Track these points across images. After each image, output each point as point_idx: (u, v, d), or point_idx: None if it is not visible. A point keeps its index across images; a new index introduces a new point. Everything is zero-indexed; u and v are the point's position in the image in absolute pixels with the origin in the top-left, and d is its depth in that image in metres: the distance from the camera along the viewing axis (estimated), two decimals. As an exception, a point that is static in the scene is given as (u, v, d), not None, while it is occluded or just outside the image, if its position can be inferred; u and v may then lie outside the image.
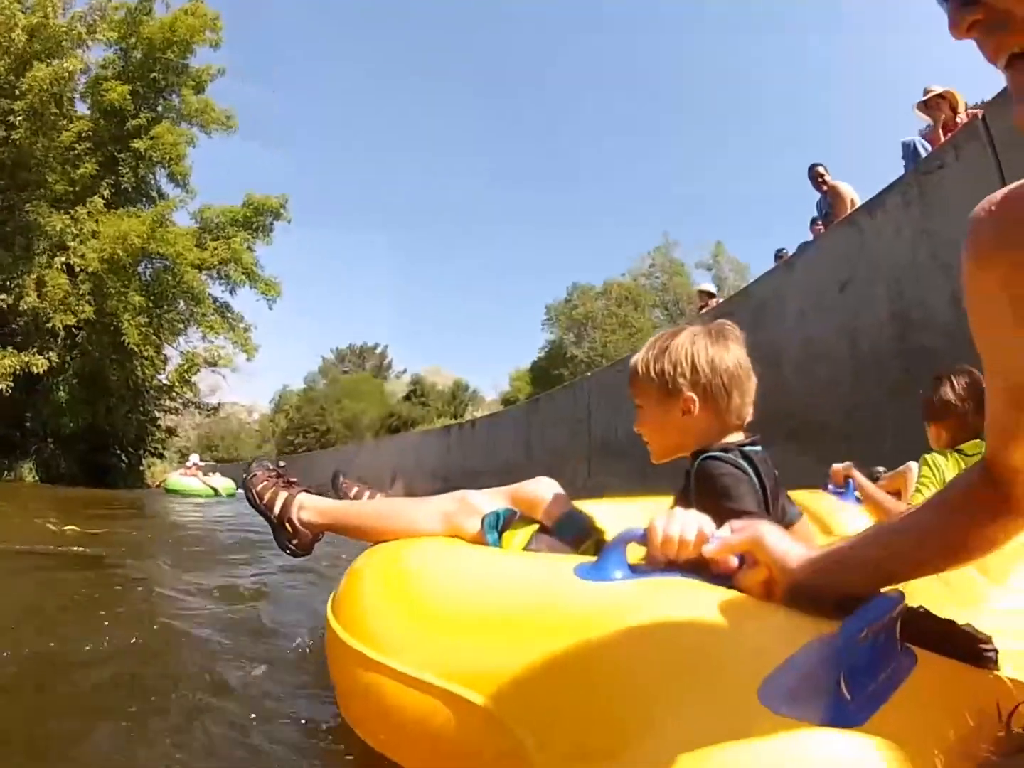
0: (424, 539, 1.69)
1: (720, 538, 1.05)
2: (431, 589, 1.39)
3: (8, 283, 15.00)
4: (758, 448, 1.46)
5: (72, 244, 16.44)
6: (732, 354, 1.49)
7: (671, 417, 1.51)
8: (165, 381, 21.07)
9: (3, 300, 15.02)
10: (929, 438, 2.49)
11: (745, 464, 1.40)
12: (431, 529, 1.72)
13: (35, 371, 15.04)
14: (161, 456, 24.93)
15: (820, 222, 7.65)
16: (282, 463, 2.10)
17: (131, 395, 19.92)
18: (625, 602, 1.03)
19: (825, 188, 7.40)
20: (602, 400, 10.94)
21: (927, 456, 2.42)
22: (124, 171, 18.61)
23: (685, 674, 0.85)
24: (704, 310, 9.44)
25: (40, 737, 1.48)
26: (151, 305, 18.40)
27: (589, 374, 13.70)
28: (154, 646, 2.17)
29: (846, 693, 0.76)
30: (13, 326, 17.39)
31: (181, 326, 20.60)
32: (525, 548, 1.65)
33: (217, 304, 21.22)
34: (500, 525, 1.68)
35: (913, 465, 2.51)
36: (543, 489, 1.81)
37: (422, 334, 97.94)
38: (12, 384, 14.59)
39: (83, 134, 17.79)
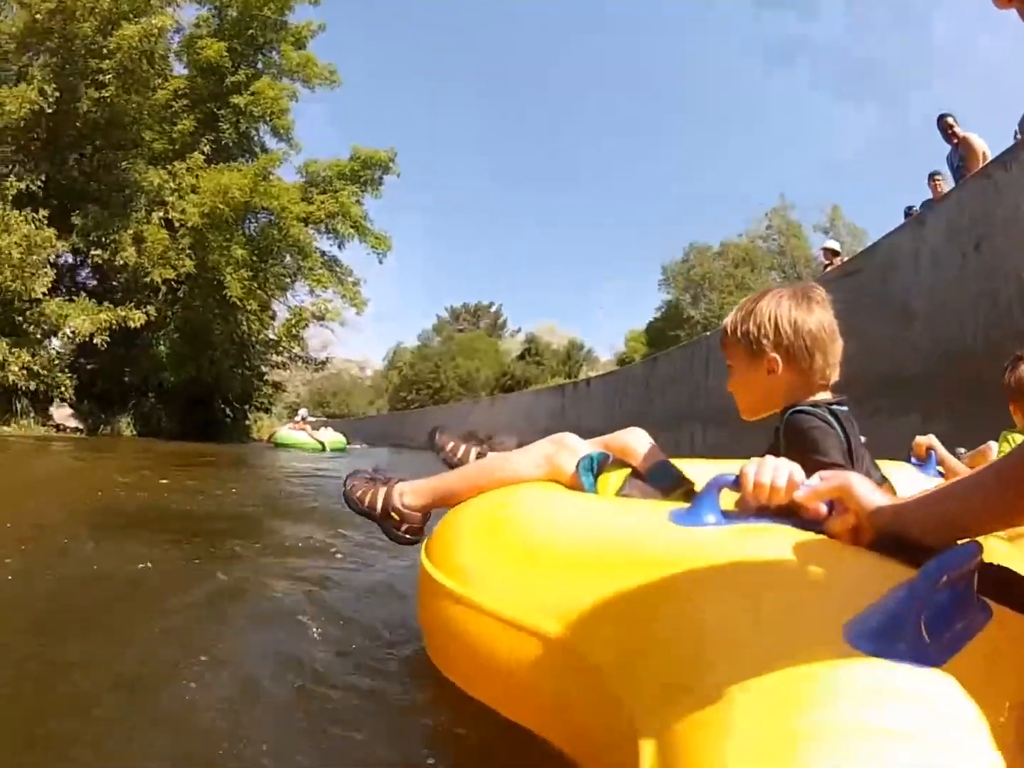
0: (520, 485, 1.71)
1: (810, 485, 1.11)
2: (525, 531, 1.44)
3: (104, 239, 14.83)
4: (844, 408, 1.49)
5: (171, 199, 16.19)
6: (815, 316, 1.52)
7: (758, 376, 1.56)
8: (272, 336, 20.96)
9: (99, 256, 14.94)
10: (1013, 417, 2.47)
11: (832, 419, 1.43)
12: (531, 474, 1.75)
13: (132, 325, 14.95)
14: (267, 411, 25.08)
15: (938, 177, 7.52)
16: (377, 467, 2.15)
17: (236, 350, 19.73)
18: (717, 546, 1.08)
19: (956, 140, 7.16)
20: (719, 362, 9.90)
21: (1006, 433, 2.44)
22: (224, 127, 18.28)
23: (771, 614, 0.89)
24: (829, 268, 9.32)
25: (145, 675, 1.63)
26: (255, 259, 18.03)
27: (708, 334, 13.38)
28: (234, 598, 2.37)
29: (925, 636, 0.80)
30: (113, 282, 17.37)
31: (288, 280, 20.35)
32: (618, 492, 1.69)
33: (325, 258, 20.83)
34: (595, 468, 1.71)
35: (993, 445, 2.49)
36: (636, 438, 1.88)
37: (537, 290, 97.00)
38: (108, 339, 14.49)
39: (180, 92, 17.58)
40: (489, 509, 1.61)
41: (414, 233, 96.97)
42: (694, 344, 12.75)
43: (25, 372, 12.69)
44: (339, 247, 21.51)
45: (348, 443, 20.11)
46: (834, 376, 1.53)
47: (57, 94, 13.77)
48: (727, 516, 1.16)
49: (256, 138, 19.54)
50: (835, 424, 1.42)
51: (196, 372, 18.14)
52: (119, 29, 13.99)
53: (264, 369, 22.94)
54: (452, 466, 2.16)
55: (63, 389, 13.78)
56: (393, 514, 1.92)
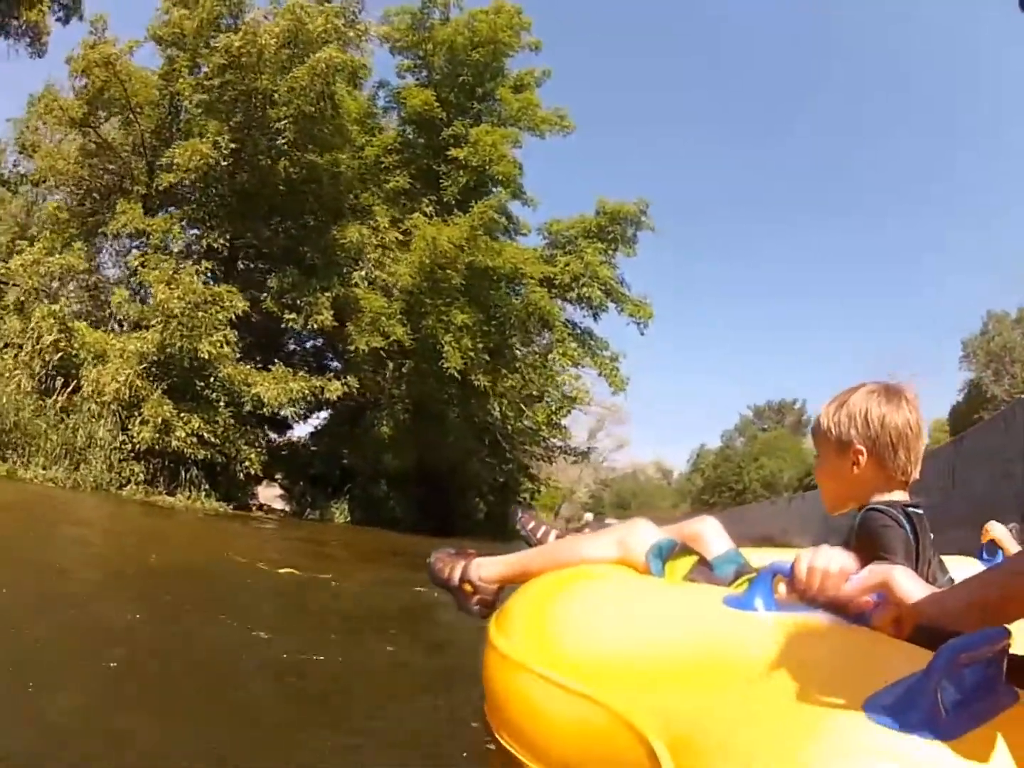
0: (591, 567, 1.81)
1: (857, 578, 1.20)
2: (588, 608, 1.62)
3: (299, 302, 13.67)
4: (919, 510, 1.55)
5: (373, 256, 14.54)
6: (902, 413, 1.58)
7: (843, 469, 1.64)
8: (527, 423, 18.47)
9: (294, 320, 13.61)
10: None
11: (904, 520, 1.50)
12: (603, 556, 1.83)
13: (329, 396, 13.18)
14: (529, 507, 22.45)
15: None
16: (466, 548, 2.23)
17: (476, 434, 17.51)
18: (762, 631, 1.21)
19: None
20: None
21: None
22: (446, 184, 16.54)
23: (799, 691, 1.01)
24: None
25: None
26: (489, 329, 15.44)
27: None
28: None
29: (942, 710, 0.89)
30: (310, 351, 15.92)
31: (535, 357, 17.69)
32: (684, 578, 1.73)
33: (575, 331, 18.24)
34: (664, 555, 1.77)
35: None
36: (708, 527, 1.98)
37: (842, 381, 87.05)
38: (299, 412, 12.78)
39: (390, 147, 16.18)
40: (558, 586, 1.77)
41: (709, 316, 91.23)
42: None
43: (195, 440, 11.34)
44: (594, 317, 18.90)
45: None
46: (915, 473, 1.60)
47: (232, 146, 12.92)
48: (778, 604, 1.27)
49: (484, 190, 17.68)
50: (905, 524, 1.49)
51: (424, 458, 15.84)
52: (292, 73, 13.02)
53: (525, 461, 20.17)
54: (531, 545, 2.29)
55: (248, 464, 12.21)
56: (466, 585, 2.05)
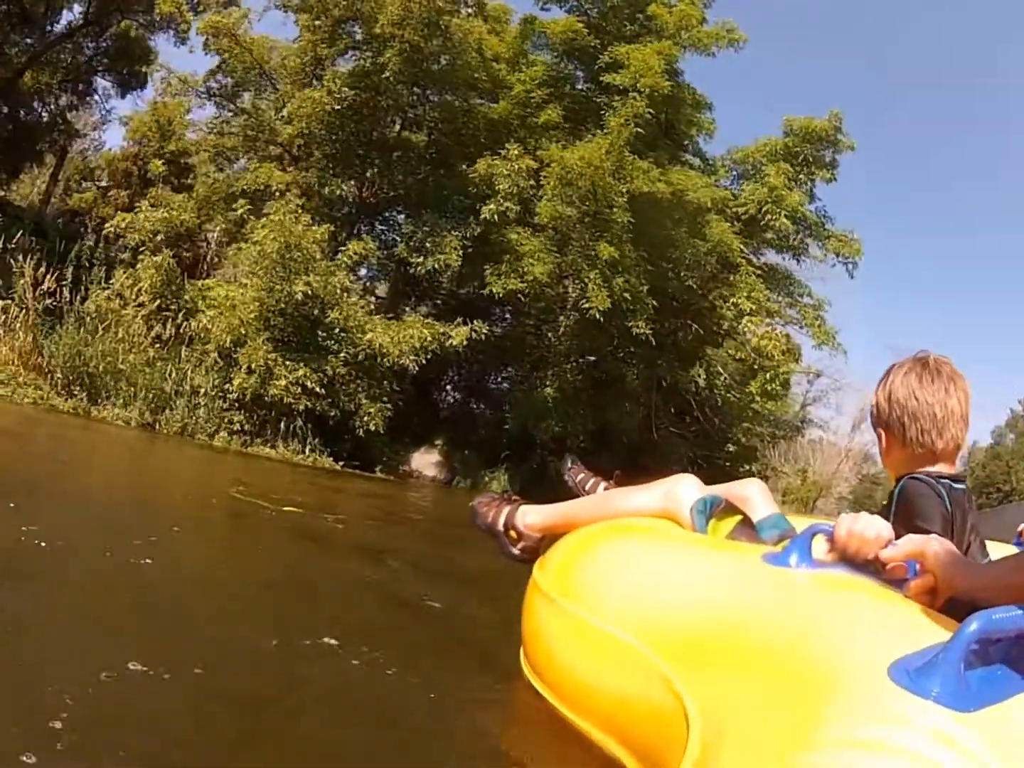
0: (636, 519, 1.89)
1: (895, 544, 1.26)
2: (632, 558, 1.70)
3: (426, 244, 12.21)
4: (961, 486, 1.54)
5: (503, 187, 12.59)
6: (906, 385, 1.58)
7: (883, 453, 1.69)
8: (727, 391, 15.82)
9: (420, 263, 12.35)
10: None
11: (943, 491, 1.49)
12: (649, 509, 1.90)
13: (452, 344, 11.65)
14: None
15: None
16: (507, 490, 2.31)
17: (668, 400, 15.31)
18: (796, 585, 1.27)
19: None
20: None
21: None
22: (607, 114, 14.39)
23: (824, 648, 1.04)
24: None
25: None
26: (652, 268, 13.38)
27: None
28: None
29: (963, 682, 0.90)
30: (439, 298, 14.91)
31: (719, 302, 14.88)
32: (727, 536, 1.77)
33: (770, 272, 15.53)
34: (708, 511, 1.81)
35: None
36: (754, 490, 2.00)
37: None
38: (424, 361, 11.43)
39: (540, 81, 14.55)
40: (605, 536, 1.86)
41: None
42: None
43: (299, 389, 10.28)
44: (795, 258, 16.05)
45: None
46: (939, 443, 1.55)
47: (346, 90, 12.23)
48: (815, 562, 1.32)
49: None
50: (944, 496, 1.48)
51: (592, 425, 14.01)
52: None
53: (745, 439, 17.56)
54: (579, 495, 2.35)
55: (367, 418, 10.96)
56: (512, 532, 2.11)
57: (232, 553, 3.55)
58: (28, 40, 16.09)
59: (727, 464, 16.28)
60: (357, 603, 2.85)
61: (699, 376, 15.13)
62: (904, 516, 1.44)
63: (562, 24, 14.81)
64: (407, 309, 12.49)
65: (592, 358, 15.03)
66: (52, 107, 18.37)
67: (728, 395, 15.93)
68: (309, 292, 10.34)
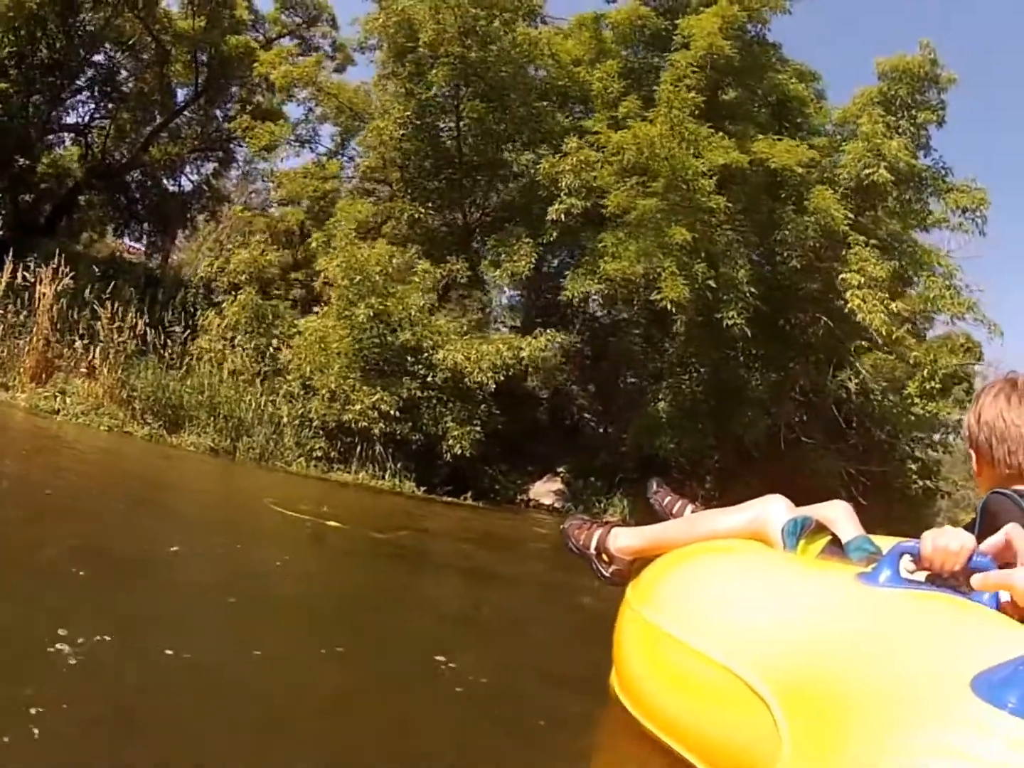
0: (728, 540, 1.92)
1: (984, 575, 1.25)
2: (727, 580, 1.72)
3: (501, 254, 12.18)
4: None
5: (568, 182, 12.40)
6: (996, 405, 1.62)
7: (974, 464, 1.73)
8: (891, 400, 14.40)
9: (497, 276, 12.14)
10: None
11: None
12: (739, 530, 1.92)
13: (523, 356, 11.07)
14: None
15: None
16: (596, 512, 3.26)
17: (803, 408, 14.18)
18: (889, 604, 1.32)
19: None
20: None
21: None
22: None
23: (913, 661, 1.12)
24: None
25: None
26: (741, 247, 12.31)
27: None
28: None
29: None
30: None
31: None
32: (817, 557, 1.80)
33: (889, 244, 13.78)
34: (800, 532, 1.83)
35: None
36: (840, 512, 2.06)
37: None
38: (500, 378, 11.17)
39: (614, 75, 14.23)
40: (698, 557, 1.89)
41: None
42: None
43: (375, 413, 10.41)
44: (923, 227, 14.16)
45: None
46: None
47: (410, 117, 12.66)
48: (904, 581, 1.37)
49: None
50: None
51: (713, 441, 12.95)
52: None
53: (912, 450, 15.78)
54: (665, 518, 2.41)
55: (452, 442, 10.86)
56: (604, 555, 2.16)
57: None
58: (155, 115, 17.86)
59: (898, 480, 14.80)
60: (445, 617, 3.43)
61: (850, 380, 13.68)
62: (988, 530, 1.43)
63: (624, 12, 14.45)
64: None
65: (706, 367, 13.80)
66: (196, 175, 20.02)
67: (884, 401, 14.46)
68: (372, 314, 10.54)
